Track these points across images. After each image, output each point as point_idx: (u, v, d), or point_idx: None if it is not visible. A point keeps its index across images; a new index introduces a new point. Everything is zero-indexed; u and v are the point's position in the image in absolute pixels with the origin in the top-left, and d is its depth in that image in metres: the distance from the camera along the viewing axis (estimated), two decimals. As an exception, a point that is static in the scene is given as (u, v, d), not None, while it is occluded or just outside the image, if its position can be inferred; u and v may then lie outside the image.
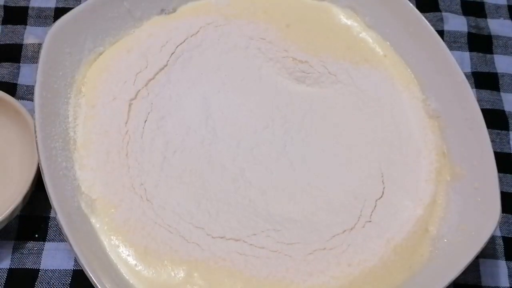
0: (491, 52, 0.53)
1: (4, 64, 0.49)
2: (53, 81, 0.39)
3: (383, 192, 0.40)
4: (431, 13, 0.55)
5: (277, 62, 0.44)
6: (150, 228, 0.37)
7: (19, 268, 0.41)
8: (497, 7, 0.56)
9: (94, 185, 0.38)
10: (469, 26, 0.54)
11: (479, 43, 0.54)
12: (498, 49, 0.53)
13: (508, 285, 0.43)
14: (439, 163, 0.41)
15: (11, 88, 0.48)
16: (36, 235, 0.42)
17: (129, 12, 0.44)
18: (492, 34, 0.54)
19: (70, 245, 0.33)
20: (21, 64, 0.49)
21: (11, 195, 0.40)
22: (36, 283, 0.40)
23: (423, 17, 0.43)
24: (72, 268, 0.41)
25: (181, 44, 0.44)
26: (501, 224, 0.45)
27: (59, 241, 0.42)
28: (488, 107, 0.50)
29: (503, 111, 0.50)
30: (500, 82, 0.52)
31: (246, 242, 0.37)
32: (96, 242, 0.36)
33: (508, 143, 0.49)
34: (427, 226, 0.39)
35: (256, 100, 0.43)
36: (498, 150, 0.48)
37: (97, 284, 0.32)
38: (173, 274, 0.36)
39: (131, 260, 0.36)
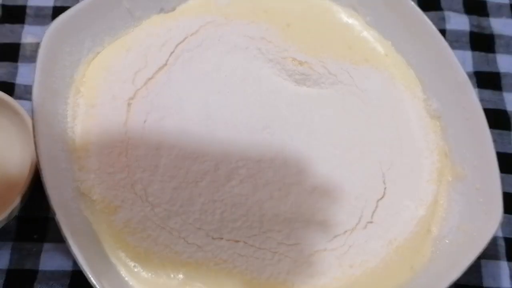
0: (493, 52, 0.53)
1: (2, 63, 0.49)
2: (52, 80, 0.39)
3: (384, 193, 0.40)
4: (433, 12, 0.55)
5: (277, 63, 0.44)
6: (150, 230, 0.37)
7: (18, 269, 0.41)
8: (500, 6, 0.56)
9: (93, 186, 0.38)
10: (471, 25, 0.54)
11: (481, 42, 0.53)
12: (501, 49, 0.53)
13: (509, 286, 0.43)
14: (441, 163, 0.41)
15: (9, 88, 0.48)
16: (35, 236, 0.42)
17: (128, 11, 0.44)
18: (494, 33, 0.54)
19: (69, 246, 0.33)
20: (19, 64, 0.49)
21: (9, 196, 0.39)
22: (35, 284, 0.40)
23: (425, 16, 0.43)
24: (71, 269, 0.41)
25: (180, 43, 0.44)
26: (503, 224, 0.45)
27: (58, 242, 0.42)
28: (490, 107, 0.50)
29: (505, 111, 0.50)
30: (503, 82, 0.52)
31: (247, 243, 0.37)
32: (95, 243, 0.36)
33: (510, 143, 0.49)
34: (429, 227, 0.39)
35: (256, 100, 0.43)
36: (500, 150, 0.48)
37: (96, 285, 0.32)
38: (172, 276, 0.36)
39: (131, 262, 0.36)
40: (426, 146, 0.42)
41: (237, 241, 0.37)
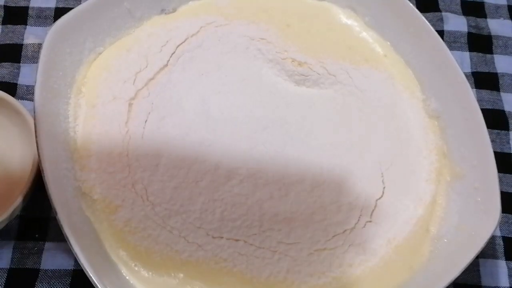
0: (491, 52, 0.53)
1: (4, 64, 0.49)
2: (53, 81, 0.39)
3: (383, 192, 0.40)
4: (431, 13, 0.55)
5: (277, 63, 0.45)
6: (151, 229, 0.37)
7: (19, 268, 0.41)
8: (497, 7, 0.56)
9: (94, 186, 0.38)
10: (469, 26, 0.54)
11: (479, 43, 0.54)
12: (498, 49, 0.53)
13: (508, 285, 0.43)
14: (439, 163, 0.41)
15: (11, 88, 0.48)
16: (36, 235, 0.42)
17: (129, 12, 0.44)
18: (492, 34, 0.54)
19: (70, 245, 0.33)
20: (21, 64, 0.49)
21: (11, 195, 0.40)
22: (36, 283, 0.40)
23: (423, 17, 0.43)
24: (72, 268, 0.41)
25: (181, 44, 0.44)
26: (501, 224, 0.45)
27: (59, 241, 0.42)
28: (488, 107, 0.50)
29: (503, 111, 0.50)
30: (500, 82, 0.52)
31: (247, 242, 0.37)
32: (96, 242, 0.36)
33: (508, 143, 0.49)
34: (427, 226, 0.39)
35: (256, 100, 0.43)
36: (498, 150, 0.49)
37: (97, 284, 0.32)
38: (173, 274, 0.36)
39: (131, 261, 0.36)
40: (425, 146, 0.42)
41: (237, 240, 0.37)
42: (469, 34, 0.54)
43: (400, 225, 0.39)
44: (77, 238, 0.33)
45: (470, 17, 0.55)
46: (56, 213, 0.34)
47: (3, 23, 0.51)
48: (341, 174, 0.40)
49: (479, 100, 0.50)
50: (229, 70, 0.44)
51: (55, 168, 0.36)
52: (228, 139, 0.41)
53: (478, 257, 0.36)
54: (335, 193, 0.40)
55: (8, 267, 0.41)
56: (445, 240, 0.38)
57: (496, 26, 0.55)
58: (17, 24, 0.51)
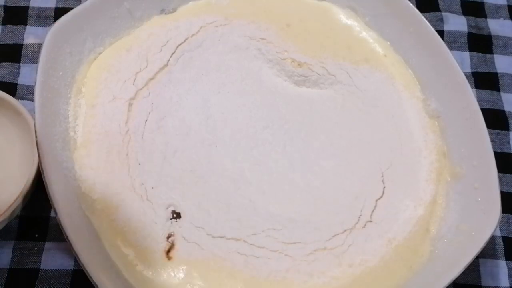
0: (491, 52, 0.53)
1: (4, 64, 0.49)
2: (53, 81, 0.39)
3: (383, 192, 0.40)
4: (431, 13, 0.55)
5: (277, 64, 0.45)
6: (151, 229, 0.37)
7: (19, 268, 0.41)
8: (497, 7, 0.56)
9: (94, 185, 0.38)
10: (469, 26, 0.54)
11: (479, 43, 0.54)
12: (498, 49, 0.53)
13: (508, 285, 0.43)
14: (439, 163, 0.41)
15: (11, 88, 0.48)
16: (36, 235, 0.42)
17: (129, 12, 0.44)
18: (492, 34, 0.54)
19: (70, 245, 0.33)
20: (21, 64, 0.49)
21: (11, 195, 0.40)
22: (36, 283, 0.40)
23: (423, 17, 0.43)
24: (72, 268, 0.41)
25: (181, 44, 0.44)
26: (501, 224, 0.45)
27: (59, 241, 0.42)
28: (488, 107, 0.50)
29: (503, 111, 0.51)
30: (500, 82, 0.52)
31: (247, 242, 0.37)
32: (96, 242, 0.36)
33: (508, 143, 0.49)
34: (427, 226, 0.39)
35: (256, 100, 0.43)
36: (498, 150, 0.49)
37: (97, 284, 0.32)
38: (173, 274, 0.36)
39: (131, 260, 0.36)
40: (425, 146, 0.42)
41: (237, 240, 0.37)
42: (469, 34, 0.54)
43: (400, 225, 0.39)
44: (77, 238, 0.33)
45: (470, 17, 0.55)
46: (56, 213, 0.34)
47: (3, 23, 0.51)
48: (341, 174, 0.41)
49: (479, 100, 0.50)
50: (229, 70, 0.44)
51: (55, 168, 0.36)
52: (228, 139, 0.41)
53: (478, 257, 0.36)
54: (335, 193, 0.40)
55: (8, 267, 0.41)
56: (445, 240, 0.38)
57: (496, 26, 0.55)
58: (17, 24, 0.51)
